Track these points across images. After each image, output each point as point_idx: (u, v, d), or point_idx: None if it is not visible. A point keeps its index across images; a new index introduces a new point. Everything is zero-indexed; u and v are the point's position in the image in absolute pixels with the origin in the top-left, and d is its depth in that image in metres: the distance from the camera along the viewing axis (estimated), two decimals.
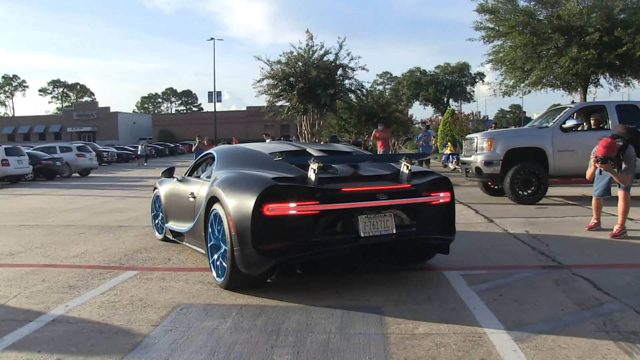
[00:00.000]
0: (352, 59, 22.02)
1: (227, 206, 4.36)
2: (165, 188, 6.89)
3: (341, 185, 4.46)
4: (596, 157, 6.57)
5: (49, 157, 22.69)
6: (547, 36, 17.04)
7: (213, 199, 4.73)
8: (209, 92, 64.81)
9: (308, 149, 5.51)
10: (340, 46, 21.76)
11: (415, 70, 61.12)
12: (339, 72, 22.04)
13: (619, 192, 6.68)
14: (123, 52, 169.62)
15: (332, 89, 20.91)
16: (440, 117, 36.52)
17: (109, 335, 3.56)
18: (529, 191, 10.42)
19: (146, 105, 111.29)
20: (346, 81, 22.46)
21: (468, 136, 12.70)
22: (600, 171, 6.74)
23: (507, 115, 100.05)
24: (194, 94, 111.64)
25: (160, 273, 5.30)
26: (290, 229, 4.16)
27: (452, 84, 59.13)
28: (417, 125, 20.20)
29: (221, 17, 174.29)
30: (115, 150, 40.81)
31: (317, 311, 3.95)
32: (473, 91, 61.63)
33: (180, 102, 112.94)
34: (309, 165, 4.33)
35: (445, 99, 60.33)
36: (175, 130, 72.45)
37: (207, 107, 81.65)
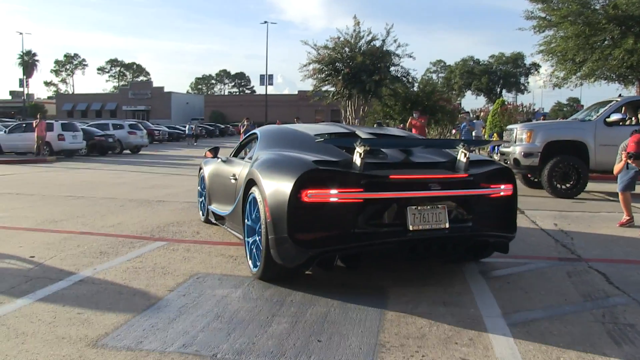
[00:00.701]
0: (399, 46, 22.03)
1: (264, 190, 4.04)
2: (209, 168, 6.66)
3: (389, 172, 4.06)
4: (628, 153, 6.49)
5: (102, 134, 23.66)
6: (601, 27, 16.49)
7: (251, 182, 4.43)
8: (260, 75, 65.43)
9: (357, 132, 5.00)
10: (388, 33, 21.80)
11: (468, 59, 60.15)
12: (385, 58, 22.01)
13: None
14: (179, 33, 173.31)
15: (377, 76, 20.96)
16: (490, 107, 35.87)
17: (127, 296, 3.86)
18: (568, 185, 10.24)
19: (200, 86, 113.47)
20: (392, 68, 22.46)
21: (508, 127, 12.54)
22: (628, 166, 6.65)
23: (565, 109, 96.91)
24: (247, 76, 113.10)
25: (187, 245, 5.60)
26: (331, 218, 3.83)
27: (505, 74, 57.83)
28: (462, 115, 19.89)
29: (277, 0, 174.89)
30: (166, 129, 41.99)
31: (325, 287, 4.12)
32: (527, 82, 60.11)
33: (233, 84, 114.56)
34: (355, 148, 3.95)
35: (499, 90, 59.06)
36: (226, 112, 73.60)
37: (260, 89, 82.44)
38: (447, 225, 4.05)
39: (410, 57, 22.17)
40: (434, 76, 68.37)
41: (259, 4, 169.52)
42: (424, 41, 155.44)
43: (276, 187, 3.93)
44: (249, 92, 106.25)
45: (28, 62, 72.03)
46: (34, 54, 75.80)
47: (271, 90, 69.56)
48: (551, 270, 4.85)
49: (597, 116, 10.66)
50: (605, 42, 17.42)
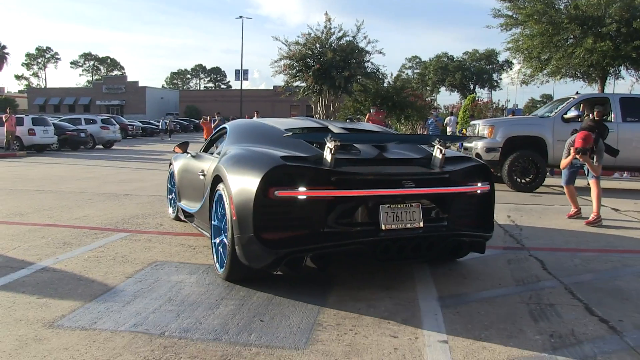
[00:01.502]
0: (369, 42, 22.44)
1: (229, 187, 3.88)
2: (179, 164, 6.48)
3: (361, 168, 3.96)
4: (576, 148, 6.86)
5: (74, 129, 23.50)
6: (564, 26, 17.00)
7: (217, 178, 4.27)
8: (236, 70, 65.26)
9: (330, 126, 4.94)
10: (358, 29, 22.18)
11: (442, 55, 60.89)
12: (355, 54, 22.39)
13: (592, 181, 7.02)
14: (154, 26, 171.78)
15: (347, 71, 21.34)
16: (462, 104, 36.50)
17: (86, 282, 4.06)
18: (527, 179, 10.67)
19: (175, 81, 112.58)
20: (362, 64, 22.83)
21: (472, 122, 12.97)
22: (573, 161, 7.07)
23: (538, 105, 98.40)
24: (223, 71, 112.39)
25: (149, 235, 5.79)
26: (299, 217, 3.70)
27: (479, 70, 58.73)
28: (432, 112, 20.28)
29: None
30: (140, 124, 41.74)
31: (277, 275, 4.32)
32: (500, 79, 61.16)
33: (209, 79, 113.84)
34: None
35: (472, 86, 59.95)
36: (201, 107, 73.13)
37: (235, 84, 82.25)
38: (422, 225, 3.93)
39: (380, 53, 22.69)
40: (410, 72, 69.05)
41: None
42: (400, 37, 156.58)
43: (242, 184, 3.77)
44: (224, 87, 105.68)
45: None
46: (4, 47, 73.73)
47: (247, 85, 69.67)
48: (493, 258, 5.16)
49: (556, 113, 11.11)
50: (569, 41, 17.95)
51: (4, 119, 20.11)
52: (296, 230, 3.72)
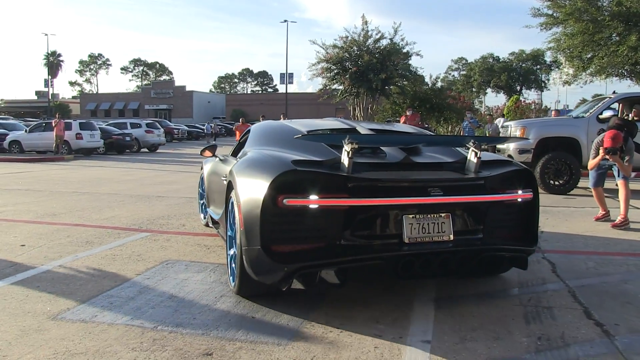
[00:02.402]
0: (406, 44, 22.41)
1: (238, 194, 3.60)
2: (208, 168, 6.23)
3: (383, 173, 3.61)
4: (606, 148, 6.71)
5: (119, 133, 24.33)
6: (605, 23, 16.52)
7: (230, 184, 4.02)
8: (281, 74, 65.99)
9: (357, 127, 4.60)
10: (395, 31, 22.20)
11: (488, 56, 59.86)
12: (392, 57, 22.41)
13: (620, 182, 6.84)
14: (202, 31, 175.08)
15: (384, 74, 21.37)
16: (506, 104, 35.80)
17: (97, 279, 4.29)
18: (561, 181, 10.43)
19: (223, 85, 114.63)
20: (399, 66, 22.81)
21: (505, 123, 12.76)
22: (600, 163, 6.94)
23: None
24: (270, 74, 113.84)
25: (168, 235, 6.01)
26: (312, 228, 3.36)
27: (525, 71, 57.43)
28: (466, 113, 19.92)
29: None
30: (185, 127, 42.78)
31: None
32: (548, 79, 59.60)
33: (255, 82, 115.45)
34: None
35: (519, 87, 58.69)
36: (248, 110, 74.14)
37: (282, 88, 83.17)
38: (452, 237, 3.52)
39: (418, 55, 22.65)
40: (455, 74, 68.23)
41: (282, 2, 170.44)
42: (447, 39, 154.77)
43: (250, 191, 3.47)
44: (271, 90, 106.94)
45: (53, 63, 73.84)
46: (59, 55, 77.68)
47: (294, 88, 70.23)
48: None
49: (591, 113, 10.83)
50: (612, 40, 17.42)
51: (53, 124, 21.06)
52: (308, 242, 3.38)
